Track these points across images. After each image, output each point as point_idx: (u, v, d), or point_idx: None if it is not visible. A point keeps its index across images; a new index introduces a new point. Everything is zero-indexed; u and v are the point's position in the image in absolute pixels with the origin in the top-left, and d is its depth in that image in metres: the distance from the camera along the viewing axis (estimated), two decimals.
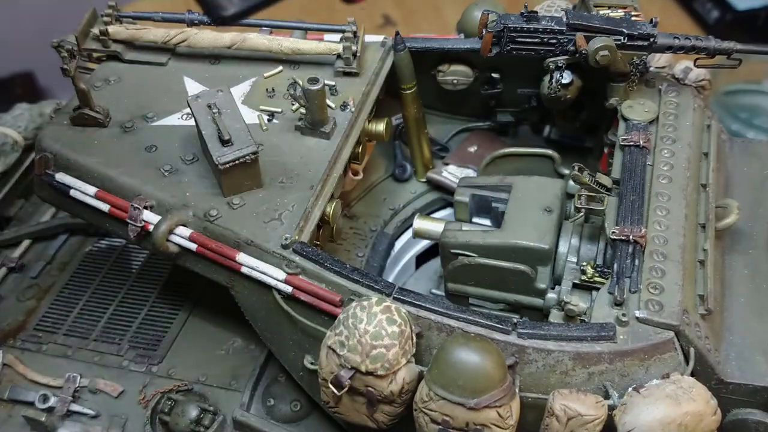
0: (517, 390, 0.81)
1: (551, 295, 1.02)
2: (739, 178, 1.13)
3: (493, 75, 1.28)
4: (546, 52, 1.10)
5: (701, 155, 1.06)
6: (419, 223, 1.17)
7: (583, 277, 0.96)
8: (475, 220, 1.18)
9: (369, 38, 1.21)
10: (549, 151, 1.25)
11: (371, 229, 1.30)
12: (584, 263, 0.97)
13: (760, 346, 0.91)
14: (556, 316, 0.95)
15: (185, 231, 0.96)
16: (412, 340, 0.82)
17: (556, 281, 1.04)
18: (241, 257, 0.93)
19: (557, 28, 1.08)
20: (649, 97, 1.12)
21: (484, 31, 1.11)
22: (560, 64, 1.10)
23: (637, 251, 0.90)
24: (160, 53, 1.21)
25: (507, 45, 1.11)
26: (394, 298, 0.86)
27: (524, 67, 1.19)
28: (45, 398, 1.16)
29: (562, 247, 1.04)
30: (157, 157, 1.05)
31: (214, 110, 0.98)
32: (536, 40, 1.09)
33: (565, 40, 1.08)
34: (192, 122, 1.02)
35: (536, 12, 1.10)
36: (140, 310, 1.31)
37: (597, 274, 0.95)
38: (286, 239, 0.92)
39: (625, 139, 1.05)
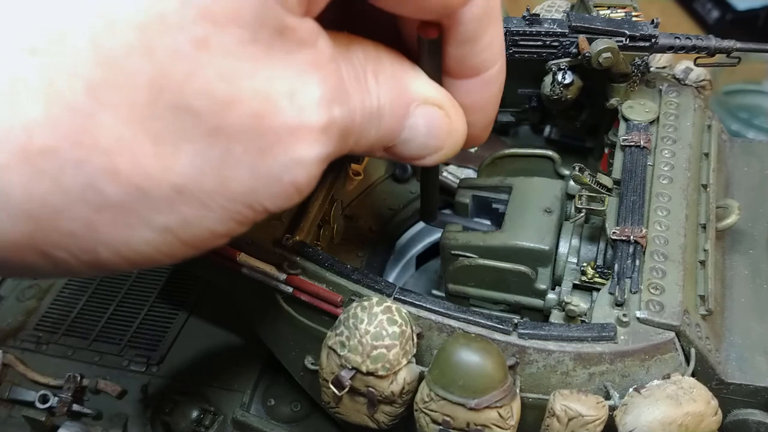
0: (517, 390, 0.81)
1: (551, 295, 1.02)
2: (740, 178, 1.13)
3: None
4: (548, 54, 1.10)
5: (702, 155, 1.06)
6: None
7: (584, 278, 0.96)
8: (475, 220, 1.18)
9: None
10: (549, 152, 1.25)
11: (371, 229, 1.30)
12: (584, 264, 0.97)
13: (760, 347, 0.91)
14: (556, 316, 0.95)
15: None
16: (412, 340, 0.82)
17: (556, 282, 1.04)
18: (242, 257, 0.93)
19: (559, 30, 1.08)
20: (649, 97, 1.12)
21: None
22: (562, 67, 1.10)
23: (638, 252, 0.90)
24: None
25: (509, 48, 1.11)
26: (395, 299, 0.86)
27: (525, 68, 1.19)
28: (45, 398, 1.17)
29: (563, 248, 1.04)
30: None
31: None
32: (539, 43, 1.09)
33: (568, 42, 1.08)
34: None
35: (538, 15, 1.10)
36: (140, 310, 1.31)
37: (597, 275, 0.95)
38: (286, 239, 0.92)
39: (625, 139, 1.05)
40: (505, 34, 1.10)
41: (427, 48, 0.70)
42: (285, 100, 0.55)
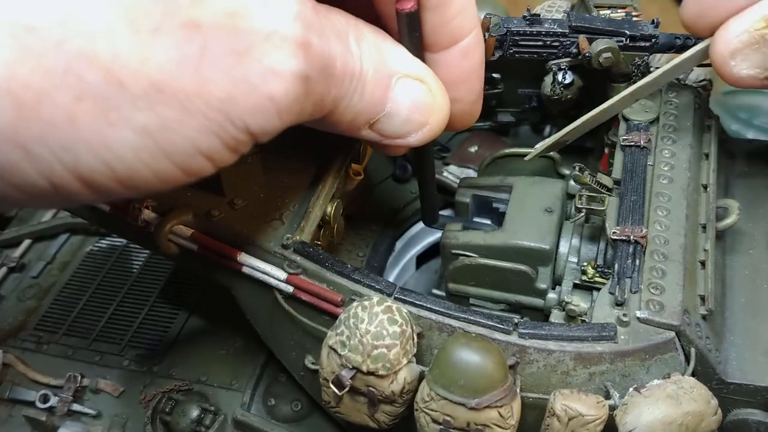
0: (518, 390, 0.81)
1: (552, 295, 1.02)
2: (740, 178, 1.13)
3: (494, 75, 1.28)
4: (548, 54, 1.11)
5: (702, 155, 1.06)
6: None
7: (584, 278, 0.96)
8: (475, 220, 1.18)
9: None
10: (550, 151, 1.25)
11: (371, 229, 1.30)
12: (585, 263, 0.97)
13: (761, 347, 0.91)
14: (557, 316, 0.95)
15: (186, 231, 0.96)
16: (413, 340, 0.82)
17: (556, 281, 1.04)
18: (242, 257, 0.93)
19: (560, 30, 1.08)
20: (649, 97, 1.12)
21: (486, 35, 1.11)
22: (563, 67, 1.10)
23: (638, 251, 0.90)
24: None
25: (510, 48, 1.11)
26: (395, 298, 0.86)
27: (525, 68, 1.19)
28: (45, 398, 1.17)
29: (563, 248, 1.04)
30: None
31: None
32: (539, 43, 1.10)
33: (568, 42, 1.09)
34: None
35: (538, 15, 1.11)
36: (141, 309, 1.31)
37: (598, 275, 0.95)
38: (287, 239, 0.92)
39: (625, 139, 1.05)
40: (505, 35, 1.10)
41: (406, 22, 0.71)
42: (259, 4, 0.56)
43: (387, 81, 0.71)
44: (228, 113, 0.57)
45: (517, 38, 1.10)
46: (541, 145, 1.06)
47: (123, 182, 0.57)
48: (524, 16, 1.10)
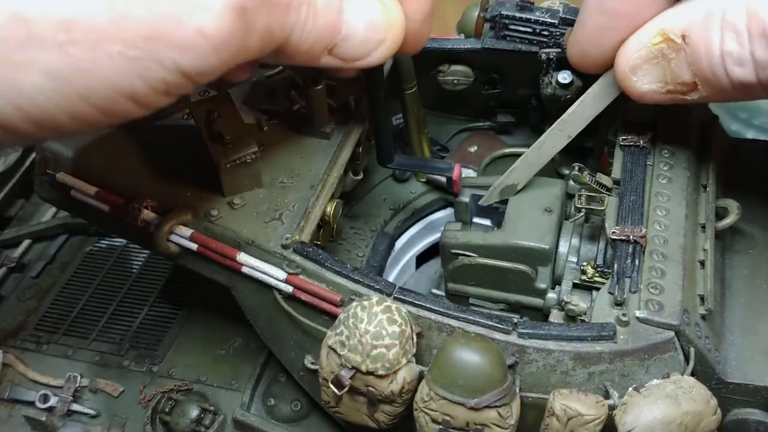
0: (517, 390, 0.81)
1: (551, 295, 1.02)
2: (739, 178, 1.13)
3: (494, 75, 1.28)
4: (538, 43, 1.12)
5: (701, 156, 1.06)
6: None
7: (584, 277, 0.96)
8: (475, 220, 1.18)
9: None
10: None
11: (371, 229, 1.30)
12: (584, 263, 0.97)
13: (760, 346, 0.91)
14: (556, 316, 0.95)
15: (186, 231, 0.96)
16: (412, 339, 0.82)
17: (556, 281, 1.04)
18: (242, 257, 0.93)
19: (549, 20, 1.09)
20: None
21: (481, 14, 1.13)
22: (551, 56, 1.11)
23: (637, 251, 0.90)
24: None
25: (501, 31, 1.13)
26: (395, 298, 0.86)
27: (524, 68, 1.20)
28: (45, 398, 1.17)
29: (563, 247, 1.04)
30: (158, 157, 1.05)
31: (215, 111, 0.98)
32: (528, 29, 1.11)
33: (558, 33, 1.09)
34: (193, 122, 1.02)
35: (532, 2, 1.12)
36: (141, 309, 1.31)
37: (597, 274, 0.95)
38: (286, 239, 0.92)
39: (625, 139, 1.05)
40: (495, 17, 1.12)
41: None
42: None
43: (338, 3, 0.69)
44: (152, 52, 0.53)
45: (507, 21, 1.12)
46: (493, 188, 1.10)
47: (40, 125, 0.54)
48: (517, 3, 1.12)
